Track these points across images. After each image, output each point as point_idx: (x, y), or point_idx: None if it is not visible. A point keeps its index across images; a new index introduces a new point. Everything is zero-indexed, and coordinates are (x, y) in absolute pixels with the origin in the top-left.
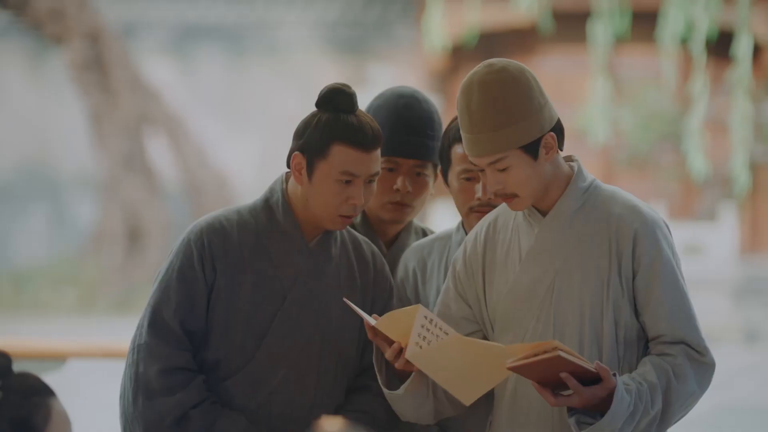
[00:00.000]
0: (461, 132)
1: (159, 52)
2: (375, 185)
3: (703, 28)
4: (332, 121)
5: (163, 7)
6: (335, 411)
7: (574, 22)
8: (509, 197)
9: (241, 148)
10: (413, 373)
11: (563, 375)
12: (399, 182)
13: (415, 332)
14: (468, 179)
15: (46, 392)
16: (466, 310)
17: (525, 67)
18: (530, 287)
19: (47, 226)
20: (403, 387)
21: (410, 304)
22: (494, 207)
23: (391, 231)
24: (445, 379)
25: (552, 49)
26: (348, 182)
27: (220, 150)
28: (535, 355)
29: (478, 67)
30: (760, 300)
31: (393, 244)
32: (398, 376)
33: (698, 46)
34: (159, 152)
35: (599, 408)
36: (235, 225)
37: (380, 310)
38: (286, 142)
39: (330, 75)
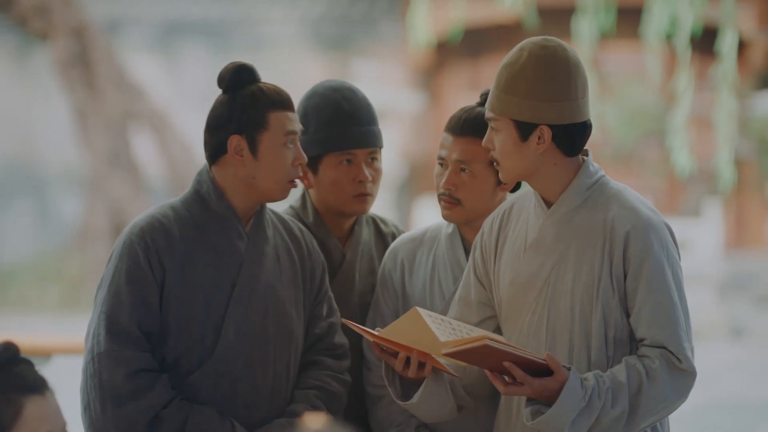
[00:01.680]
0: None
1: (144, 48)
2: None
3: (688, 24)
4: (258, 93)
5: (148, 3)
6: (292, 392)
7: (559, 17)
8: (495, 162)
9: None
10: (426, 378)
11: (506, 364)
12: (363, 173)
13: (437, 331)
14: (440, 165)
15: (23, 389)
16: (483, 295)
17: (579, 61)
18: (529, 279)
19: (32, 223)
20: (417, 395)
21: (396, 295)
22: (454, 200)
23: (345, 225)
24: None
25: None
26: (291, 144)
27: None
28: (467, 343)
29: (540, 37)
30: (745, 296)
31: (349, 238)
32: (409, 383)
33: (683, 42)
34: (144, 148)
35: (554, 401)
36: (173, 220)
37: (318, 283)
38: None
39: (315, 71)
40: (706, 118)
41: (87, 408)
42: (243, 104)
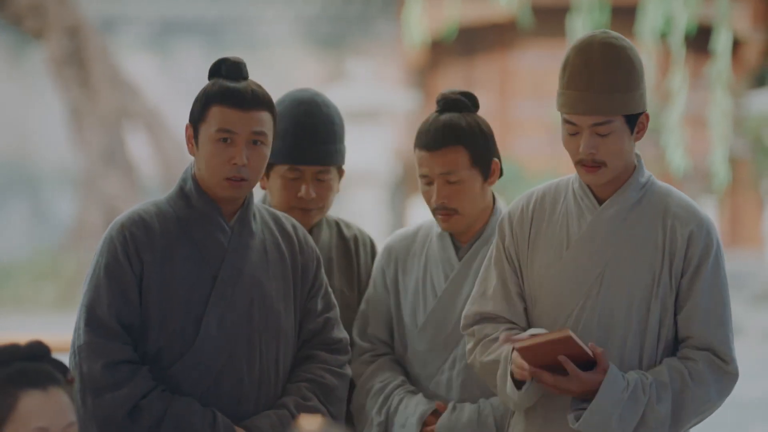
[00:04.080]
0: (566, 90)
1: (139, 47)
2: (264, 149)
3: (682, 22)
4: (211, 86)
5: (143, 2)
6: (283, 385)
7: (554, 16)
8: (596, 166)
9: None
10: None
11: (561, 358)
12: (303, 190)
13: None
14: (426, 183)
15: (21, 383)
16: (520, 286)
17: None
18: (578, 274)
19: (26, 221)
20: (526, 386)
21: (387, 292)
22: (450, 210)
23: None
24: None
25: (531, 43)
26: (227, 141)
27: None
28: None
29: (593, 32)
30: (740, 294)
31: None
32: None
33: (677, 41)
34: (138, 147)
35: None
36: (154, 216)
37: (311, 277)
38: None
39: (310, 70)
40: (700, 117)
41: None
42: (198, 95)
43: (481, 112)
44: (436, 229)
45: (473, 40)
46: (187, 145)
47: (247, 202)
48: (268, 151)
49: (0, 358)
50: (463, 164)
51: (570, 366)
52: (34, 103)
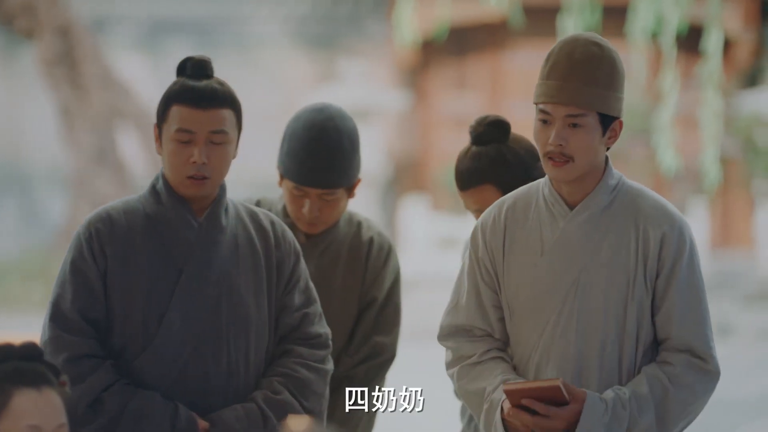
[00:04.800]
0: (546, 80)
1: (130, 47)
2: (226, 148)
3: (674, 22)
4: (172, 86)
5: (134, 1)
6: (255, 379)
7: (545, 16)
8: (564, 160)
9: None
10: None
11: (525, 401)
12: (306, 207)
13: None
14: (473, 212)
15: (15, 381)
16: (494, 298)
17: None
18: (553, 280)
19: (17, 221)
20: None
21: None
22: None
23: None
24: None
25: (522, 43)
26: (187, 141)
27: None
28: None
29: (579, 33)
30: (731, 294)
31: (315, 233)
32: None
33: (668, 41)
34: (130, 147)
35: None
36: (122, 211)
37: (287, 272)
38: (258, 137)
39: (301, 70)
40: (691, 117)
41: None
42: (162, 95)
43: (472, 112)
44: None
45: (464, 40)
46: (155, 144)
47: (218, 197)
48: (231, 150)
49: None
50: (494, 198)
51: (538, 405)
52: (26, 103)
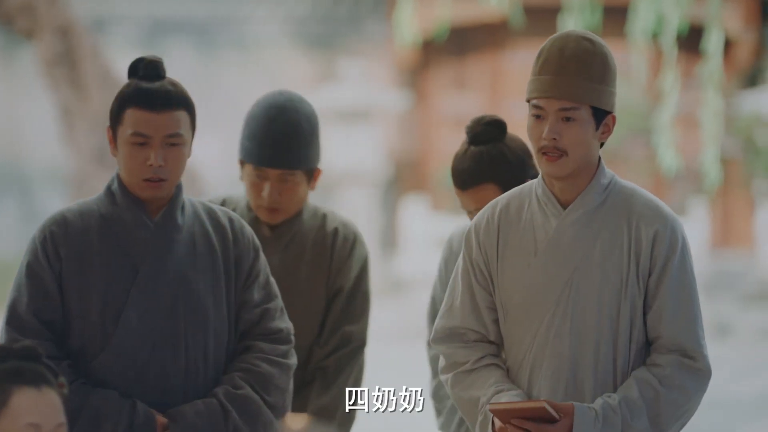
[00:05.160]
0: (538, 76)
1: (130, 47)
2: (181, 149)
3: (674, 22)
4: (126, 88)
5: (134, 1)
6: (215, 377)
7: (545, 16)
8: (558, 155)
9: (211, 142)
10: None
11: (514, 421)
12: (265, 190)
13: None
14: (467, 213)
15: (15, 380)
16: (489, 299)
17: None
18: (547, 281)
19: (17, 221)
20: None
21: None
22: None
23: (272, 222)
24: None
25: (523, 43)
26: (143, 144)
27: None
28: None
29: (571, 29)
30: (730, 295)
31: (280, 225)
32: None
33: (669, 41)
34: None
35: None
36: (77, 213)
37: (246, 269)
38: None
39: (300, 70)
40: (692, 117)
41: None
42: (115, 97)
43: (472, 112)
44: None
45: (464, 40)
46: (109, 146)
47: (174, 196)
48: (186, 150)
49: None
50: (494, 197)
51: (529, 425)
52: (25, 104)
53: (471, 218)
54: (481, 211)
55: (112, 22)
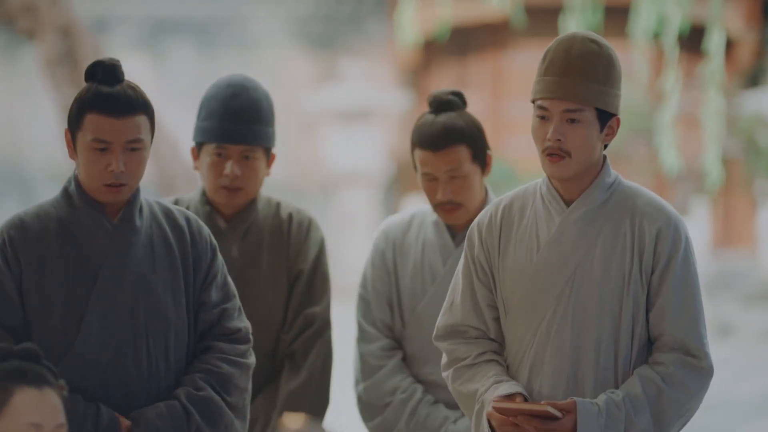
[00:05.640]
0: (543, 77)
1: (131, 46)
2: (141, 153)
3: (676, 22)
4: (85, 92)
5: (135, 1)
6: (176, 378)
7: (547, 16)
8: (561, 155)
9: None
10: None
11: (519, 418)
12: (228, 168)
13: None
14: (429, 180)
15: (16, 379)
16: (489, 297)
17: None
18: (549, 277)
19: None
20: None
21: (388, 273)
22: (455, 204)
23: (228, 211)
24: None
25: (524, 43)
26: (103, 150)
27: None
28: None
29: (577, 31)
30: (732, 295)
31: (235, 216)
32: None
33: (670, 41)
34: None
35: None
36: (35, 217)
37: (204, 269)
38: None
39: (302, 70)
40: (693, 117)
41: None
42: (74, 100)
43: (474, 112)
44: (431, 216)
45: (466, 40)
46: (67, 150)
47: (131, 199)
48: (146, 154)
49: None
50: (465, 160)
51: (536, 422)
52: (27, 104)
53: (427, 185)
54: (485, 210)
55: (114, 23)
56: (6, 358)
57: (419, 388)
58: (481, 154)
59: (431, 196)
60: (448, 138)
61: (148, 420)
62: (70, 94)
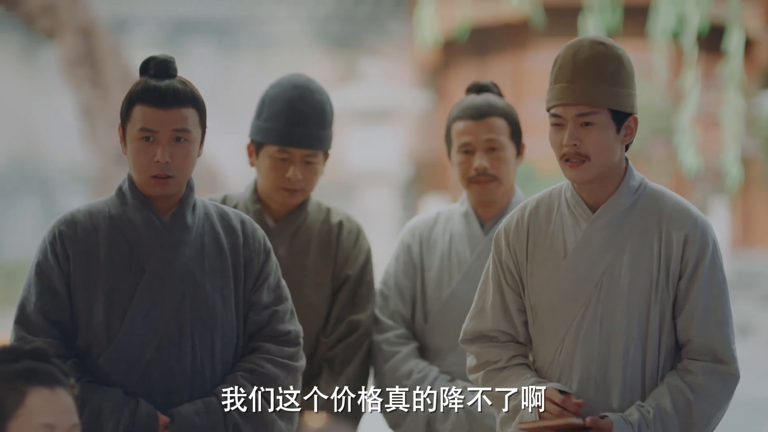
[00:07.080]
0: (554, 84)
1: (150, 47)
2: (189, 146)
3: (695, 22)
4: (135, 86)
5: (154, 2)
6: (222, 377)
7: (566, 16)
8: (580, 160)
9: (231, 142)
10: None
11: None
12: (290, 171)
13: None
14: (466, 152)
15: (30, 380)
16: (519, 302)
17: None
18: (576, 283)
19: (38, 221)
20: None
21: (414, 267)
22: (490, 176)
23: (280, 210)
24: None
25: (544, 43)
26: (149, 140)
27: (211, 144)
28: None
29: (585, 35)
30: (752, 294)
31: (285, 217)
32: None
33: (689, 41)
34: None
35: None
36: (86, 213)
37: (255, 271)
38: None
39: (321, 70)
40: (712, 117)
41: None
42: (125, 95)
43: None
44: (460, 208)
45: (486, 40)
46: (120, 144)
47: (184, 196)
48: (194, 148)
49: (8, 356)
50: (504, 133)
51: None
52: (47, 103)
53: (462, 159)
54: (510, 214)
55: (134, 22)
56: (18, 359)
57: (435, 368)
58: (517, 135)
59: (466, 170)
60: (490, 108)
61: (185, 416)
62: (90, 94)
